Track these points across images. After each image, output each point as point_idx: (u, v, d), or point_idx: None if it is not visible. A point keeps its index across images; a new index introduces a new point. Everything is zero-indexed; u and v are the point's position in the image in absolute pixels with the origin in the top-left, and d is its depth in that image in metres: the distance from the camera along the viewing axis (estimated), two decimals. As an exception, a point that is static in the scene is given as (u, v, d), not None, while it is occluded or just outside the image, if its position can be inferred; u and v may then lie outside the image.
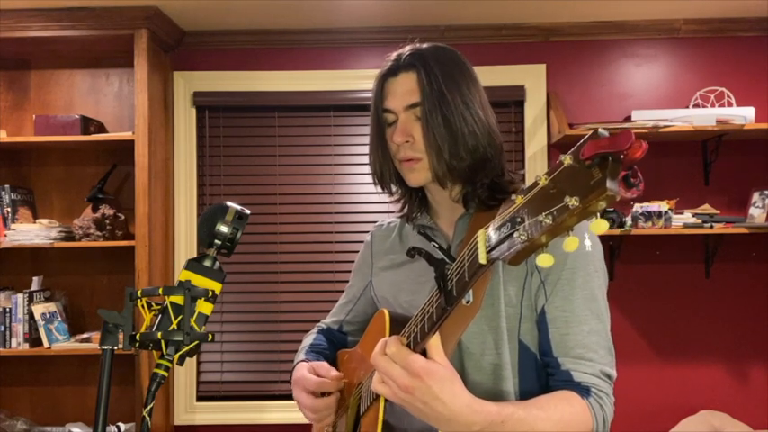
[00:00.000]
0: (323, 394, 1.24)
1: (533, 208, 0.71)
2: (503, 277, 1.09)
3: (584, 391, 1.05)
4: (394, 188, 1.26)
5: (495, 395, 1.08)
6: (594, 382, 1.06)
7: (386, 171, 1.22)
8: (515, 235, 0.73)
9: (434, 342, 0.93)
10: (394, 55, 1.20)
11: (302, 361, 1.32)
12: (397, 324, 1.09)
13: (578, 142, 0.69)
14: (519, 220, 0.73)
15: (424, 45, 1.19)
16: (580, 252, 1.07)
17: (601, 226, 0.65)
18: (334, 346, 1.42)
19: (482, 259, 0.80)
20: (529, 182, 0.76)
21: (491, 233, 0.79)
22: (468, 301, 0.90)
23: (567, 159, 0.69)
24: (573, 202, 0.66)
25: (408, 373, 0.91)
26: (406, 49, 1.19)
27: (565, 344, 1.07)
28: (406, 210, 1.28)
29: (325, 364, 1.27)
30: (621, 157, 0.65)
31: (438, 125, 1.11)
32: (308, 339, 1.44)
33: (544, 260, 0.72)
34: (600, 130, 0.67)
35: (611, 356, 1.09)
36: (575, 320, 1.07)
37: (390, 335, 1.04)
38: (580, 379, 1.06)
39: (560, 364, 1.07)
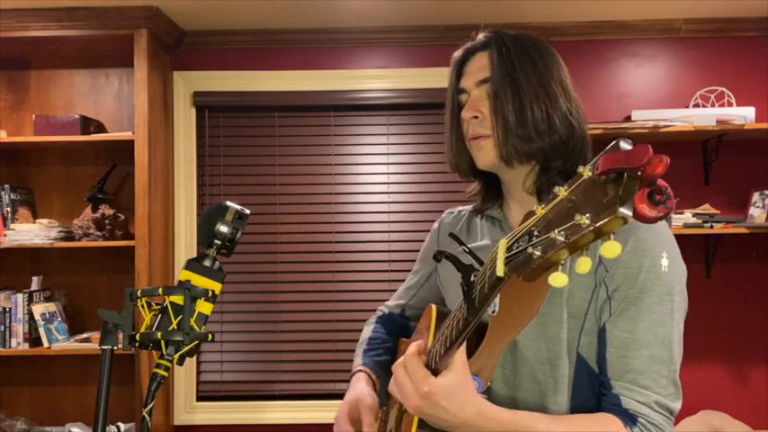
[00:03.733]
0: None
1: (550, 222, 0.66)
2: (568, 286, 1.02)
3: (629, 419, 0.98)
4: (468, 178, 1.21)
5: (545, 406, 1.04)
6: (645, 412, 0.98)
7: (461, 156, 1.17)
8: (530, 250, 0.68)
9: (458, 356, 0.91)
10: (469, 42, 1.17)
11: (359, 371, 1.28)
12: (443, 321, 1.05)
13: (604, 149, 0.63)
14: (536, 233, 0.68)
15: (503, 30, 1.16)
16: (654, 271, 1.01)
17: (613, 249, 0.59)
18: (393, 336, 1.38)
19: (500, 272, 0.74)
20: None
21: (510, 243, 0.74)
22: (493, 311, 0.84)
23: (585, 171, 0.64)
24: (584, 220, 0.61)
25: (418, 393, 0.91)
26: (482, 33, 1.16)
27: (620, 366, 1.00)
28: (480, 204, 1.23)
29: (367, 405, 1.19)
30: (639, 173, 0.59)
31: (507, 102, 1.06)
32: (367, 331, 1.40)
33: (556, 279, 0.67)
34: (622, 142, 0.62)
35: (674, 389, 1.00)
36: (635, 343, 1.00)
37: (435, 329, 1.03)
38: (629, 406, 0.98)
39: (612, 387, 1.01)
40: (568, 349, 1.04)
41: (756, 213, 2.81)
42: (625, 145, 0.61)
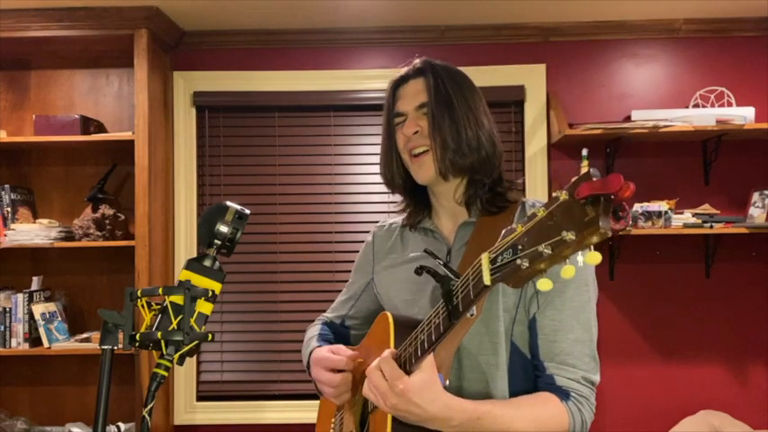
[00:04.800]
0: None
1: (533, 238, 0.80)
2: (501, 286, 1.14)
3: (563, 394, 1.14)
4: (401, 192, 1.34)
5: (489, 392, 1.17)
6: (575, 387, 1.15)
7: (396, 173, 1.31)
8: (518, 262, 0.82)
9: (427, 357, 1.03)
10: (405, 67, 1.31)
11: (317, 347, 1.38)
12: (400, 326, 1.17)
13: (574, 179, 0.77)
14: (520, 247, 0.82)
15: (431, 59, 1.31)
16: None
17: (594, 258, 0.75)
18: (338, 339, 1.48)
19: (487, 281, 0.89)
20: (529, 185, 0.82)
21: (494, 256, 0.88)
22: (471, 315, 0.98)
23: (563, 195, 0.77)
24: (570, 236, 0.75)
25: (394, 391, 1.03)
26: (417, 61, 1.31)
27: (551, 350, 1.16)
28: (408, 217, 1.36)
29: (342, 346, 1.34)
30: (612, 197, 0.73)
31: (444, 121, 1.21)
32: (315, 330, 1.50)
33: (544, 284, 0.81)
34: (592, 170, 0.77)
35: (594, 363, 1.18)
36: (562, 329, 1.16)
37: (395, 337, 1.15)
38: (562, 383, 1.15)
39: (545, 369, 1.16)
40: (504, 339, 1.18)
41: (756, 213, 2.81)
42: (596, 173, 0.76)
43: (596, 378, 1.17)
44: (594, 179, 0.74)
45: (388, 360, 1.06)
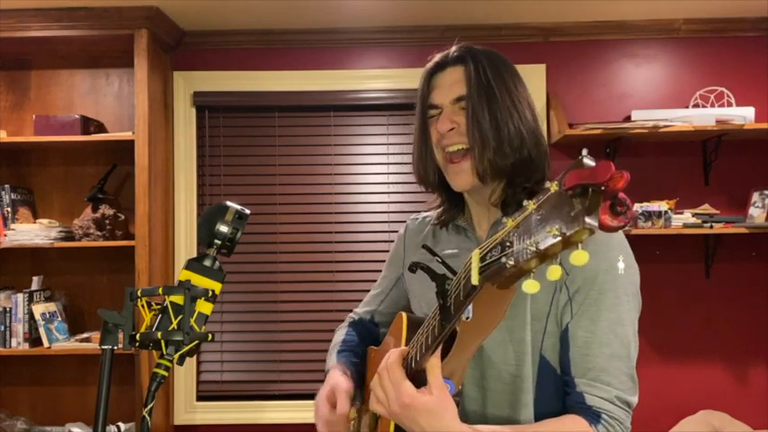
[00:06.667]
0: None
1: (521, 233, 0.72)
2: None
3: (593, 416, 1.03)
4: (434, 190, 1.24)
5: (513, 406, 1.09)
6: (607, 408, 1.04)
7: (429, 169, 1.19)
8: (503, 260, 0.73)
9: (433, 362, 0.96)
10: (440, 53, 1.18)
11: (335, 366, 1.32)
12: (415, 326, 1.10)
13: (568, 166, 0.69)
14: (508, 244, 0.73)
15: (470, 44, 1.18)
16: (612, 273, 1.07)
17: (581, 257, 0.65)
18: (364, 341, 1.42)
19: (474, 280, 0.80)
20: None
21: (484, 254, 0.79)
22: (467, 318, 0.89)
23: (552, 186, 0.69)
24: (554, 232, 0.66)
25: (398, 402, 0.97)
26: (454, 47, 1.17)
27: (583, 365, 1.05)
28: (442, 214, 1.25)
29: (343, 389, 1.24)
30: (602, 188, 0.63)
31: (484, 118, 1.09)
32: (340, 334, 1.44)
33: (529, 286, 0.72)
34: (584, 158, 0.67)
35: (632, 383, 1.07)
36: (596, 342, 1.05)
37: (407, 340, 1.08)
38: (592, 403, 1.04)
39: (576, 385, 1.06)
40: (532, 351, 1.08)
41: (756, 213, 2.81)
42: (589, 161, 0.66)
43: (633, 400, 1.06)
44: (585, 167, 0.65)
45: (398, 367, 1.00)
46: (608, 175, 0.62)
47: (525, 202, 0.72)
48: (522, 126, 1.10)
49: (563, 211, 0.66)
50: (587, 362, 1.05)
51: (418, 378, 0.99)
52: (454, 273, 0.90)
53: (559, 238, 0.66)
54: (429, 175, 1.20)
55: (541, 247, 0.67)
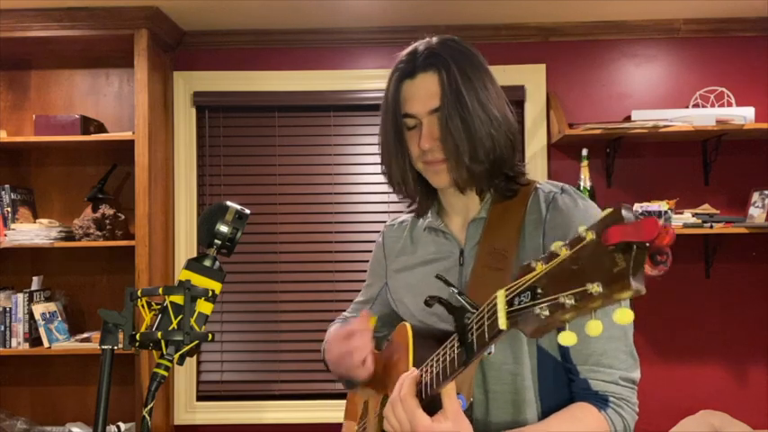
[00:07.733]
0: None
1: (554, 282, 0.69)
2: None
3: (601, 401, 1.05)
4: (415, 193, 1.24)
5: (517, 405, 1.10)
6: (613, 390, 1.05)
7: (407, 177, 1.20)
8: (537, 310, 0.70)
9: (449, 388, 0.95)
10: (406, 54, 1.16)
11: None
12: (420, 338, 1.11)
13: (602, 215, 0.65)
14: (540, 292, 0.71)
15: (435, 40, 1.16)
16: None
17: (625, 316, 0.62)
18: None
19: (503, 325, 0.78)
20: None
21: (510, 297, 0.77)
22: (489, 353, 0.87)
23: (588, 234, 0.65)
24: (596, 288, 0.63)
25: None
26: (420, 48, 1.15)
27: (583, 351, 1.07)
28: (418, 207, 1.26)
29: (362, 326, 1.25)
30: (647, 245, 0.61)
31: (457, 129, 1.09)
32: (335, 327, 1.44)
33: (566, 338, 0.70)
34: (624, 211, 0.63)
35: (633, 360, 1.08)
36: None
37: (414, 351, 1.08)
38: (598, 388, 1.06)
39: (579, 372, 1.07)
40: (528, 344, 1.10)
41: (756, 213, 2.81)
42: (628, 214, 0.62)
43: (636, 375, 1.08)
44: (627, 222, 0.61)
45: (409, 398, 0.98)
46: (655, 233, 0.60)
47: (555, 247, 0.69)
48: (492, 126, 1.11)
49: (604, 266, 0.63)
50: (586, 348, 1.06)
51: (432, 402, 0.98)
52: (473, 306, 0.89)
53: (602, 294, 0.63)
54: (408, 181, 1.20)
55: (581, 301, 0.65)
